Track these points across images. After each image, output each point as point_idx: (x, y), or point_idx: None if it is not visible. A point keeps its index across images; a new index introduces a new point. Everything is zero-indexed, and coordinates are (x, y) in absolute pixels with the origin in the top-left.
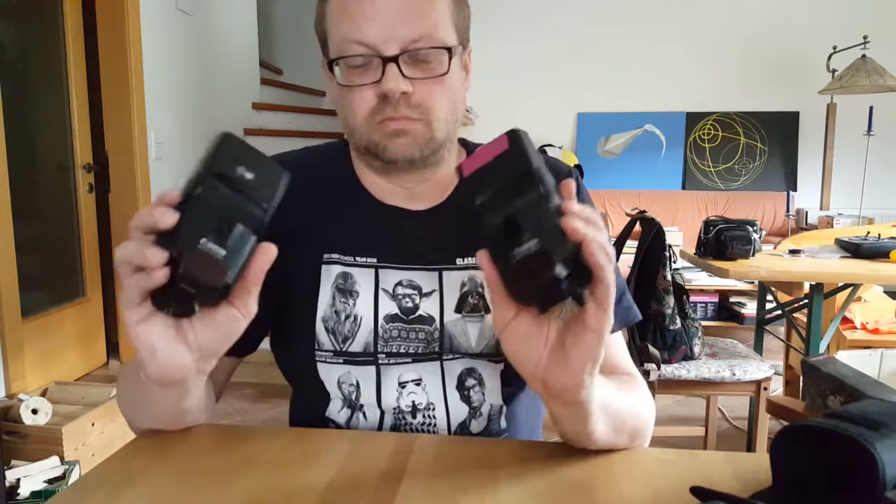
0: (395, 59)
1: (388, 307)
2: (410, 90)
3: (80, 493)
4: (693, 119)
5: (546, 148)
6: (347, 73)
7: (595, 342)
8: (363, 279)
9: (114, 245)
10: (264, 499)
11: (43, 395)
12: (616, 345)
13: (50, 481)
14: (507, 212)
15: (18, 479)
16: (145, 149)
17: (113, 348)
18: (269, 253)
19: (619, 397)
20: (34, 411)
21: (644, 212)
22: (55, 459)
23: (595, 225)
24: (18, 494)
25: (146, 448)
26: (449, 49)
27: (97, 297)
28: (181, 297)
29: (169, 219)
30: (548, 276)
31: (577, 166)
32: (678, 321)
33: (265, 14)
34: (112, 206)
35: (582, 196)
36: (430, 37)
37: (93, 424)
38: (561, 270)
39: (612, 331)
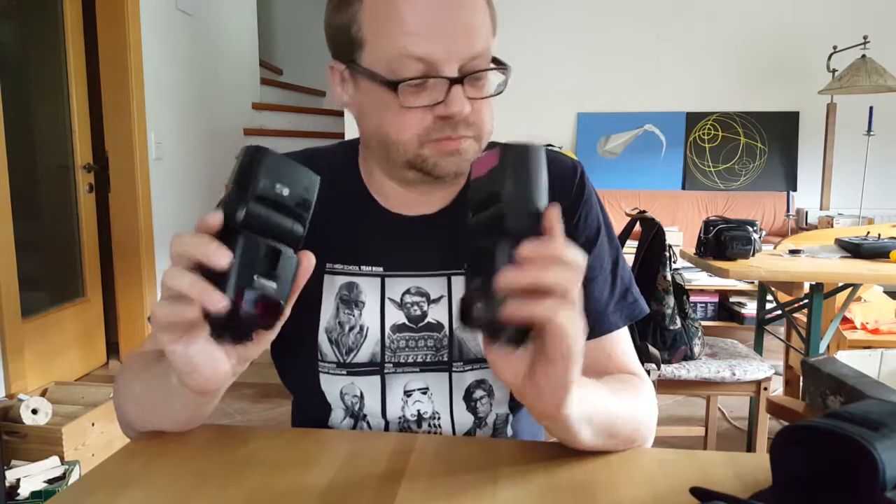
0: (460, 81)
1: (395, 317)
2: (470, 111)
3: (80, 493)
4: (693, 119)
5: (546, 148)
6: (402, 93)
7: (563, 371)
8: (368, 289)
9: (114, 245)
10: (264, 499)
11: (43, 395)
12: (621, 343)
13: (50, 481)
14: (472, 243)
15: (18, 479)
16: (145, 149)
17: (113, 348)
18: (310, 260)
19: (612, 404)
20: (34, 411)
21: (644, 212)
22: (55, 459)
23: (554, 263)
24: (18, 494)
25: (146, 448)
26: (506, 68)
27: (97, 297)
28: (240, 331)
29: (224, 260)
30: (482, 318)
31: None
32: (678, 321)
33: (265, 14)
34: (112, 206)
35: (587, 193)
36: (485, 54)
37: (93, 424)
38: (488, 317)
39: (618, 326)
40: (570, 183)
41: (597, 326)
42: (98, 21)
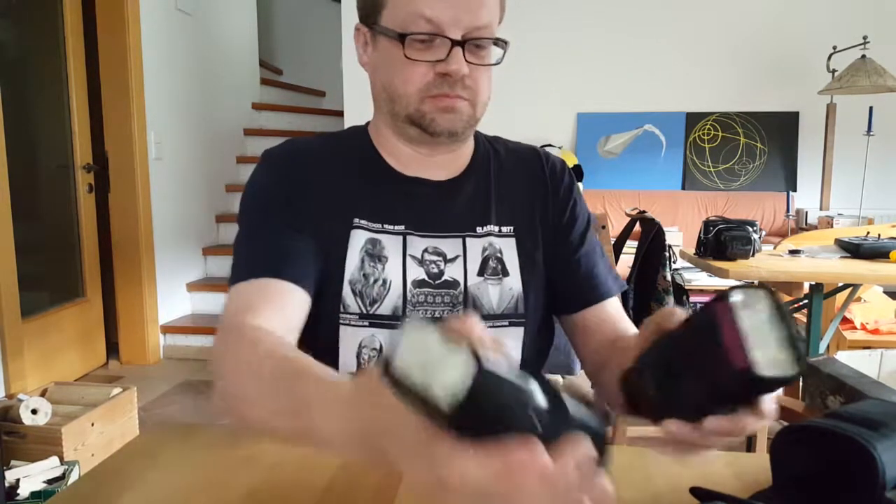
0: (462, 44)
1: (416, 272)
2: (468, 73)
3: (80, 493)
4: (693, 119)
5: (546, 148)
6: (409, 47)
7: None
8: (391, 246)
9: (114, 245)
10: (264, 499)
11: (43, 395)
12: (621, 308)
13: (49, 481)
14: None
15: (18, 480)
16: (145, 149)
17: (112, 348)
18: None
19: None
20: (34, 411)
21: (644, 212)
22: (55, 459)
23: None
24: (18, 495)
25: (146, 448)
26: (505, 43)
27: (97, 297)
28: None
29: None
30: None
31: (577, 166)
32: None
33: (265, 14)
34: (112, 206)
35: (575, 183)
36: (489, 28)
37: (92, 424)
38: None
39: (615, 292)
40: (561, 175)
41: (602, 292)
42: (98, 21)
